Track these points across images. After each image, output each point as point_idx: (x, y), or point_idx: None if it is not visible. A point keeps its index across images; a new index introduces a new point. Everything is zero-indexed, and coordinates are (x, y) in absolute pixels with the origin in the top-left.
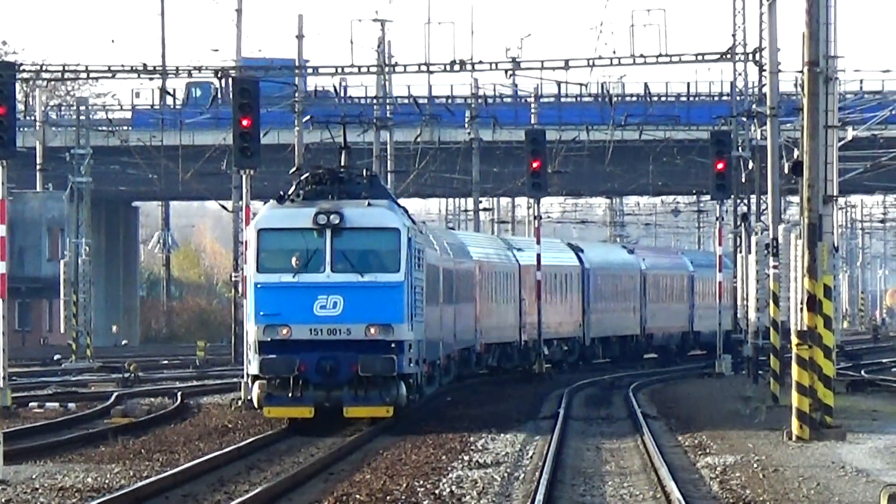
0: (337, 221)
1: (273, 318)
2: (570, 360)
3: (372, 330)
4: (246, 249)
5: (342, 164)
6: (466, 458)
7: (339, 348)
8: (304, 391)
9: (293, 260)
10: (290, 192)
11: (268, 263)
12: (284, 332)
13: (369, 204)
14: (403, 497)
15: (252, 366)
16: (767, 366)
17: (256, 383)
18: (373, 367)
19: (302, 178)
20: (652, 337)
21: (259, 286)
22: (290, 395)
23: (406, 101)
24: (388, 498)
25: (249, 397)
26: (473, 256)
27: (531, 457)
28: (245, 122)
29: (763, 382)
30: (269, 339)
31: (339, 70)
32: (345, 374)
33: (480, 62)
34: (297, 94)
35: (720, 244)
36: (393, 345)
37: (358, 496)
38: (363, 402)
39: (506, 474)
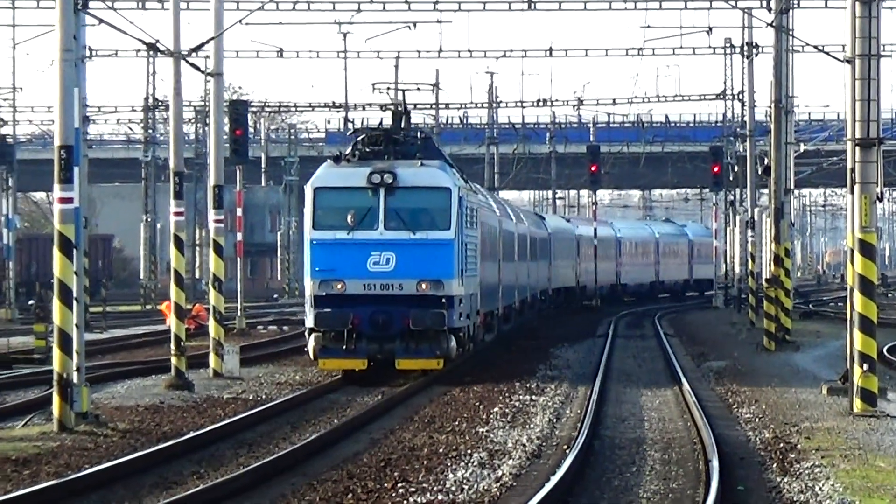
0: (390, 181)
1: (328, 273)
2: (543, 306)
3: (423, 285)
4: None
5: (401, 126)
6: (548, 362)
7: (391, 303)
8: (358, 344)
9: (348, 218)
10: (346, 153)
11: (323, 221)
12: (339, 286)
13: (422, 164)
14: (506, 388)
15: (308, 319)
16: (747, 301)
17: (312, 336)
18: (423, 321)
19: (358, 139)
20: (585, 288)
21: (315, 242)
22: (343, 347)
23: (507, 126)
24: (495, 389)
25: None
26: (547, 227)
27: (591, 362)
28: None
29: (744, 312)
30: (324, 294)
31: (463, 106)
32: (397, 327)
33: (557, 100)
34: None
35: (716, 221)
36: (443, 300)
37: (476, 388)
38: (414, 354)
39: (574, 374)
